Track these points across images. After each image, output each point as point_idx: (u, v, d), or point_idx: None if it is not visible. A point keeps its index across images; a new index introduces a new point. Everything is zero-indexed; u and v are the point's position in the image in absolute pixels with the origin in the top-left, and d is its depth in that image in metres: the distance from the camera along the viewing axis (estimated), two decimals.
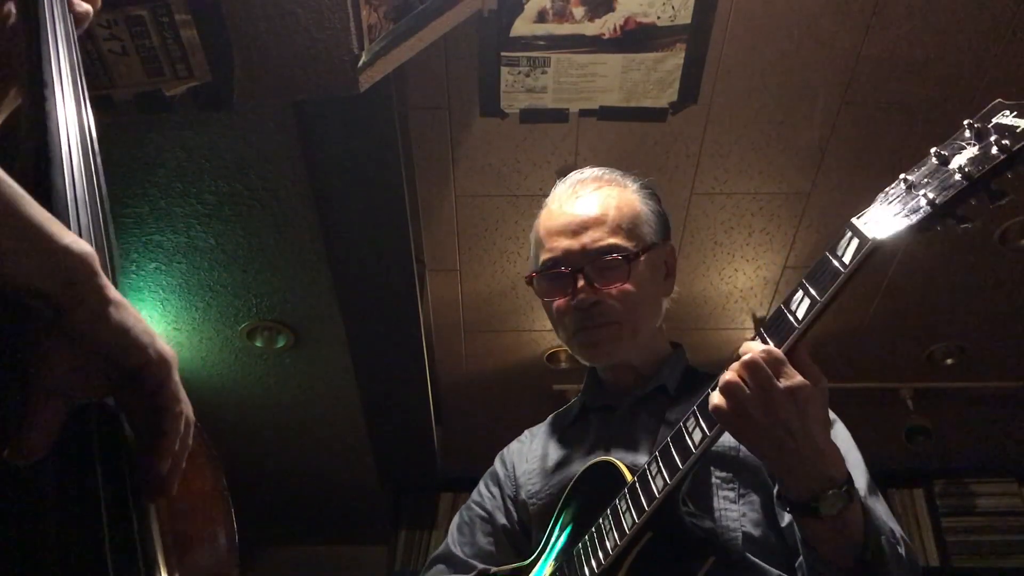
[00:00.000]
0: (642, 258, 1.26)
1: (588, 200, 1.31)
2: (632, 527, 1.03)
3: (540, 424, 1.47)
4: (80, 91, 0.87)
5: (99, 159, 0.83)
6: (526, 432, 1.47)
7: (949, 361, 3.51)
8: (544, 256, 1.30)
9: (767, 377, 0.90)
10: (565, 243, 1.27)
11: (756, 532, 1.10)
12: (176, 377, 0.68)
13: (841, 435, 1.17)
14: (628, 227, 1.27)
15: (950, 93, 2.40)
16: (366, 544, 4.35)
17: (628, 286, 1.24)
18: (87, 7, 1.00)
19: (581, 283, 1.23)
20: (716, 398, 0.94)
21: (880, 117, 2.52)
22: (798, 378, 0.90)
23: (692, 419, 1.00)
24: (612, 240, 1.25)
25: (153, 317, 2.85)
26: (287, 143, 2.23)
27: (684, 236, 2.91)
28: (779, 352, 0.91)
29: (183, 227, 2.49)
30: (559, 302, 1.27)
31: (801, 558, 1.01)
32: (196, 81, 1.84)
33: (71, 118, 0.82)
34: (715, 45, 2.32)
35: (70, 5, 0.97)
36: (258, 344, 2.98)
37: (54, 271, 0.58)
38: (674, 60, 2.31)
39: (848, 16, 2.26)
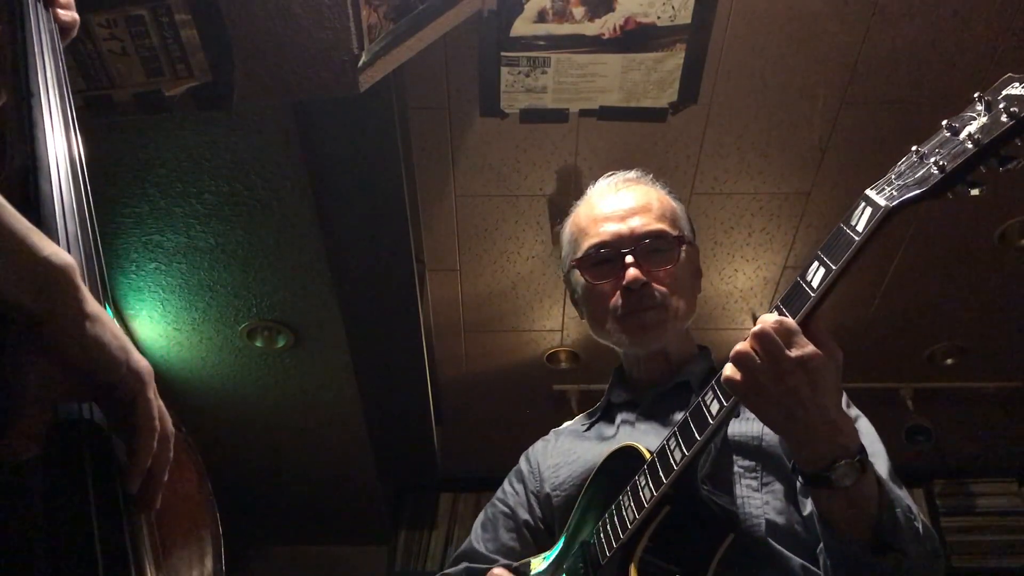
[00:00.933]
0: (684, 247, 1.32)
1: (630, 193, 1.37)
2: (650, 500, 1.04)
3: (566, 424, 1.49)
4: (67, 101, 0.87)
5: (85, 167, 0.83)
6: (552, 432, 1.48)
7: (949, 361, 3.50)
8: (590, 242, 1.33)
9: (778, 346, 0.90)
10: (613, 227, 1.31)
11: (780, 520, 1.10)
12: (150, 393, 0.66)
13: (864, 428, 1.19)
14: (671, 217, 1.34)
15: (950, 93, 2.40)
16: (366, 544, 4.34)
17: (673, 271, 1.29)
18: (73, 15, 1.01)
19: (631, 261, 1.27)
20: (728, 369, 0.95)
21: (880, 117, 2.52)
22: (809, 347, 0.91)
23: (710, 392, 1.01)
24: (659, 225, 1.31)
25: (153, 317, 2.85)
26: (287, 143, 2.23)
27: None
28: (791, 322, 0.92)
29: (183, 227, 2.49)
30: (606, 285, 1.30)
31: (823, 544, 1.01)
32: (196, 81, 1.84)
33: (58, 128, 0.83)
34: (715, 45, 2.31)
35: (55, 16, 0.97)
36: (258, 344, 2.98)
37: (32, 282, 0.58)
38: (674, 60, 2.31)
39: (848, 16, 2.26)
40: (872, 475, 0.95)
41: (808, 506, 1.07)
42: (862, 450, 0.94)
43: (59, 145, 0.80)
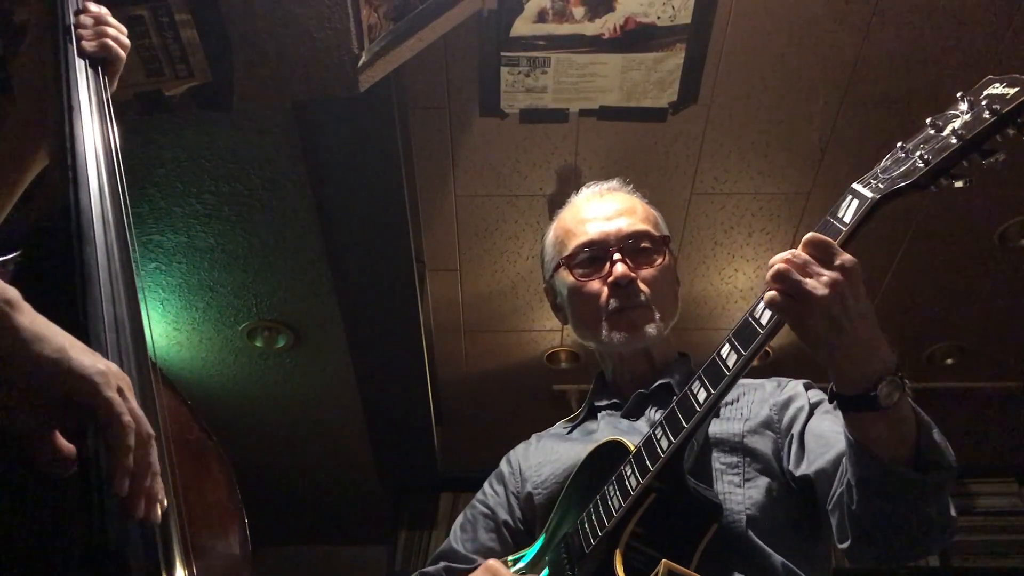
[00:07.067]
0: (667, 249, 1.36)
1: (615, 198, 1.41)
2: (636, 487, 1.04)
3: (549, 428, 1.49)
4: (106, 111, 0.89)
5: (124, 177, 0.86)
6: (534, 436, 1.49)
7: (949, 361, 3.50)
8: (577, 242, 1.36)
9: (826, 251, 0.90)
10: (600, 227, 1.35)
11: (761, 515, 1.10)
12: (107, 392, 0.66)
13: (831, 411, 1.18)
14: (654, 221, 1.39)
15: (950, 93, 2.40)
16: (366, 544, 4.34)
17: (658, 272, 1.32)
18: (124, 42, 1.05)
19: (618, 258, 1.30)
20: (769, 292, 0.93)
21: (880, 116, 2.52)
22: (847, 255, 0.90)
23: (697, 382, 1.02)
24: (645, 226, 1.35)
25: (153, 317, 2.85)
26: (287, 143, 2.23)
27: (684, 236, 2.91)
28: (828, 239, 0.92)
29: (183, 227, 2.49)
30: (594, 283, 1.32)
31: (838, 489, 1.00)
32: (196, 81, 1.84)
33: (97, 138, 0.85)
34: (715, 45, 2.31)
35: (106, 47, 0.99)
36: (258, 344, 2.98)
37: None
38: (674, 60, 2.31)
39: (848, 16, 2.26)
40: (908, 395, 0.93)
41: (802, 467, 1.06)
42: (900, 366, 0.93)
43: (99, 156, 0.82)
